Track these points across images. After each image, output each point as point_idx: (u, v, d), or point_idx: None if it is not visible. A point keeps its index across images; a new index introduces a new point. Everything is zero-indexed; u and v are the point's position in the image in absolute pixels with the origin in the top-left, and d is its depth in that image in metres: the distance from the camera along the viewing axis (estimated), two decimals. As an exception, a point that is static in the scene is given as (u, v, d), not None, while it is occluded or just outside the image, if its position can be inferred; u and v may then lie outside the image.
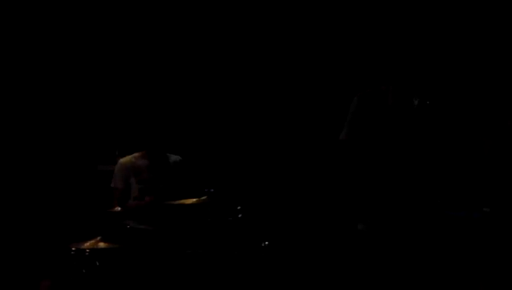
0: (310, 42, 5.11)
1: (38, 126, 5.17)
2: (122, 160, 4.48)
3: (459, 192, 4.20)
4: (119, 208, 4.38)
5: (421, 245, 3.55)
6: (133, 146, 4.52)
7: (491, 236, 4.10)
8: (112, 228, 4.33)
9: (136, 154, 4.49)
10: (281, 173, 4.90)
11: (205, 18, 5.24)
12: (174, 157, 4.56)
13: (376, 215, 3.61)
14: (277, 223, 4.76)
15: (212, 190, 4.39)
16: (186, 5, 5.26)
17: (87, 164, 5.25)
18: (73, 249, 3.95)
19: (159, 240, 4.35)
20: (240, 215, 4.46)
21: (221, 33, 5.23)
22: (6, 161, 4.96)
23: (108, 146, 5.27)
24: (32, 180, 5.04)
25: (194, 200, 4.31)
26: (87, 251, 3.95)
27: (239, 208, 4.47)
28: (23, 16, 5.02)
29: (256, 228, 4.56)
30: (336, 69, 5.08)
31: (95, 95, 5.40)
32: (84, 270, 3.92)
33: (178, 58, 5.31)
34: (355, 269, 3.64)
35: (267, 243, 4.44)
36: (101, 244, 4.07)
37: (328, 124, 4.58)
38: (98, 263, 3.95)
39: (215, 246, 4.42)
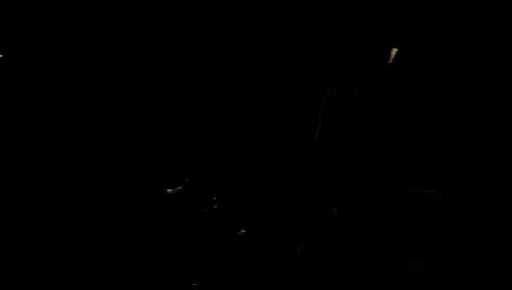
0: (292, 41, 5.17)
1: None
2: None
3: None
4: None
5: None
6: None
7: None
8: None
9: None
10: (256, 164, 4.94)
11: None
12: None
13: (347, 199, 3.66)
14: (252, 213, 4.75)
15: (187, 180, 4.49)
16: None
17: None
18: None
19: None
20: (215, 206, 4.51)
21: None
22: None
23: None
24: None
25: (170, 190, 4.42)
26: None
27: (215, 199, 4.53)
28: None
29: (232, 218, 4.58)
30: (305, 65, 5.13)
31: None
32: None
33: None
34: (330, 255, 3.64)
35: (243, 231, 4.47)
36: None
37: (299, 117, 4.67)
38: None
39: (191, 236, 4.46)
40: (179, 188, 4.47)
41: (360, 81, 3.64)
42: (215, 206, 4.50)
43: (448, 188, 4.30)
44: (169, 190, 4.45)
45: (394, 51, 3.64)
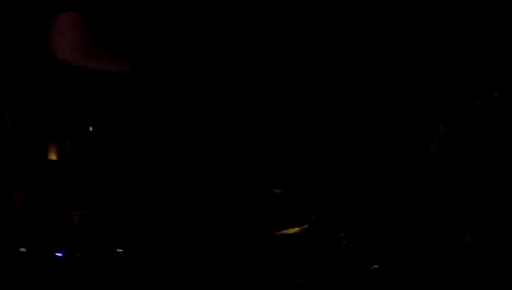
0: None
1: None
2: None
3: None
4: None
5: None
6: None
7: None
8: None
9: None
10: (383, 199, 4.80)
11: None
12: (275, 191, 4.71)
13: (483, 227, 3.50)
14: (382, 247, 4.58)
15: (313, 218, 4.47)
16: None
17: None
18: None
19: (266, 270, 4.41)
20: (343, 242, 4.43)
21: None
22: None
23: None
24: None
25: (296, 229, 4.40)
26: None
27: (342, 234, 4.45)
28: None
29: (361, 253, 4.45)
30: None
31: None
32: None
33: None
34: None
35: (376, 266, 4.33)
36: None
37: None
38: None
39: (320, 274, 4.38)
40: (305, 226, 4.44)
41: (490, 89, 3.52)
42: (344, 242, 4.41)
43: None
44: (295, 229, 4.44)
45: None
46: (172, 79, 5.46)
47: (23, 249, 4.34)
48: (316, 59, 5.33)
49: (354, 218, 4.73)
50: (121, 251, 4.46)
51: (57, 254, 4.04)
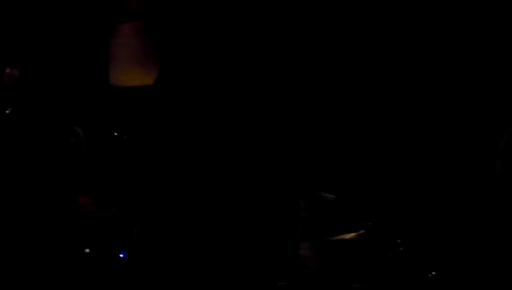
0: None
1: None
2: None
3: None
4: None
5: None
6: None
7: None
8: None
9: (293, 193, 4.75)
10: (440, 204, 4.72)
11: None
12: (328, 197, 4.71)
13: None
14: (440, 254, 4.51)
15: (370, 224, 4.44)
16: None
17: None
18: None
19: (321, 276, 4.42)
20: (401, 249, 4.38)
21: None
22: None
23: None
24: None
25: (353, 234, 4.39)
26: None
27: (399, 241, 4.41)
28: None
29: (420, 260, 4.40)
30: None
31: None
32: None
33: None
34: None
35: (433, 273, 4.27)
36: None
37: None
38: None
39: (377, 280, 4.36)
40: (361, 231, 4.42)
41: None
42: (401, 249, 4.37)
43: None
44: (352, 234, 4.42)
45: None
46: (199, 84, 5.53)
47: (87, 250, 4.50)
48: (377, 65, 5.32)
49: (411, 224, 4.69)
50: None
51: (120, 254, 4.17)
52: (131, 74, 5.03)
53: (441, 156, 4.88)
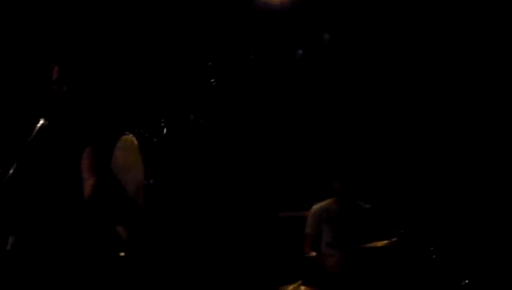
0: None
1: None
2: (316, 207, 4.73)
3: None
4: (315, 253, 4.58)
5: None
6: (323, 192, 4.80)
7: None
8: (311, 272, 4.51)
9: (328, 200, 4.73)
10: (473, 210, 4.77)
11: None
12: (364, 206, 4.73)
13: None
14: (473, 262, 4.54)
15: (402, 231, 4.46)
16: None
17: (269, 211, 5.42)
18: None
19: (354, 283, 4.40)
20: (433, 256, 4.41)
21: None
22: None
23: (293, 193, 5.49)
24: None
25: (385, 242, 4.40)
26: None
27: (432, 248, 4.44)
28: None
29: (452, 267, 4.43)
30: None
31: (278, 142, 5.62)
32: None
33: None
34: None
35: (466, 281, 4.30)
36: (303, 288, 4.26)
37: None
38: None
39: (409, 288, 4.36)
40: (394, 239, 4.43)
41: None
42: (434, 256, 4.40)
43: None
44: (384, 242, 4.43)
45: None
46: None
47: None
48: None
49: (445, 231, 4.72)
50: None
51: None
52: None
53: (472, 166, 4.95)
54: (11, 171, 3.04)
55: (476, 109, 5.16)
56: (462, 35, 5.18)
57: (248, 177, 5.20)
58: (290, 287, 4.21)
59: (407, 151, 5.07)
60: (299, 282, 4.23)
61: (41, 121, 3.12)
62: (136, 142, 3.03)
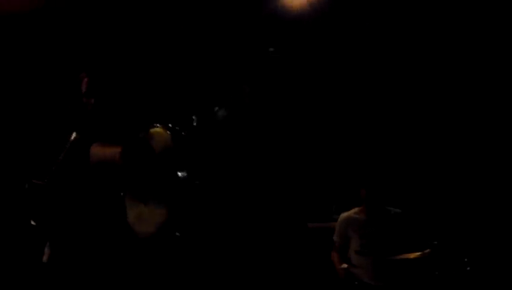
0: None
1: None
2: (343, 215, 4.65)
3: None
4: (345, 265, 4.48)
5: None
6: (352, 201, 4.70)
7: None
8: (341, 283, 4.43)
9: (356, 209, 4.64)
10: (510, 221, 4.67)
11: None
12: (394, 211, 4.62)
13: None
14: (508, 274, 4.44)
15: (435, 242, 4.36)
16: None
17: (296, 221, 5.34)
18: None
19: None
20: (468, 268, 4.30)
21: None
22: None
23: (322, 202, 5.42)
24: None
25: (418, 254, 4.29)
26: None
27: (466, 260, 4.33)
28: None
29: (487, 280, 4.33)
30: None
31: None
32: None
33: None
34: None
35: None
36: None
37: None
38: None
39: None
40: (427, 250, 4.33)
41: None
42: (468, 268, 4.29)
43: None
44: (417, 254, 4.33)
45: None
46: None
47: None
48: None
49: (479, 242, 4.62)
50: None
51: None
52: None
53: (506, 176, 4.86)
54: (46, 183, 3.03)
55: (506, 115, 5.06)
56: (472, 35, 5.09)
57: (277, 188, 5.12)
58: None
59: (440, 159, 4.98)
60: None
61: (74, 134, 3.09)
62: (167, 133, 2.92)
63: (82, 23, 4.90)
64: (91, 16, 4.89)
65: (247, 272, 4.85)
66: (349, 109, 5.47)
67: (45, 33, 4.87)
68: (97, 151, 3.10)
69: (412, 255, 4.32)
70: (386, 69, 5.44)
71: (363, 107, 5.51)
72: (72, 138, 3.08)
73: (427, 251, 4.30)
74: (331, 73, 5.53)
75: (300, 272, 4.96)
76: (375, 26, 5.27)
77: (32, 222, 3.21)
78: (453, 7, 5.06)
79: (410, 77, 5.35)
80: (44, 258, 3.24)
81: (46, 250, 3.24)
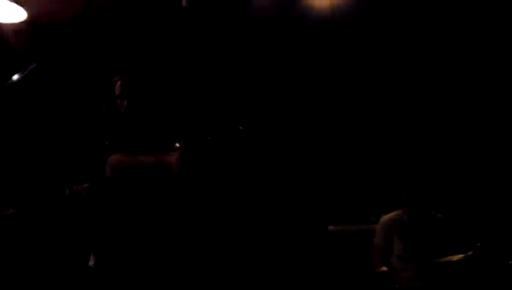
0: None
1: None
2: (385, 217, 4.58)
3: None
4: (386, 268, 4.41)
5: None
6: (391, 203, 4.64)
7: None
8: (382, 287, 4.36)
9: (398, 211, 4.56)
10: None
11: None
12: (436, 215, 4.54)
13: None
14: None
15: (479, 245, 4.26)
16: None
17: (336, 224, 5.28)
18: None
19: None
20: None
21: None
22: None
23: (363, 204, 5.36)
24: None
25: (460, 256, 4.20)
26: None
27: (510, 262, 4.22)
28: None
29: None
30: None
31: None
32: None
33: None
34: None
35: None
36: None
37: None
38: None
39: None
40: (470, 253, 4.24)
41: None
42: (512, 271, 4.17)
43: None
44: (460, 256, 4.24)
45: None
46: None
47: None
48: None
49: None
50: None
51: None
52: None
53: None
54: (87, 190, 3.04)
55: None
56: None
57: (314, 189, 5.08)
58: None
59: (483, 161, 4.87)
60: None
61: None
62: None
63: (116, 26, 4.96)
64: (125, 20, 4.96)
65: (287, 272, 4.82)
66: (391, 109, 5.41)
67: (81, 37, 4.96)
68: (125, 159, 3.07)
69: (455, 258, 4.23)
70: (425, 70, 5.37)
71: (405, 108, 5.44)
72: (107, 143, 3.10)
73: (470, 253, 4.21)
74: (372, 74, 5.48)
75: (339, 274, 4.91)
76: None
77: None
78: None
79: (453, 78, 5.26)
80: (91, 263, 3.27)
81: (92, 255, 3.26)
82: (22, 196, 4.81)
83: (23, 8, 4.39)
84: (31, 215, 4.61)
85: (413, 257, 4.35)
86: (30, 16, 4.59)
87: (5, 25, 4.73)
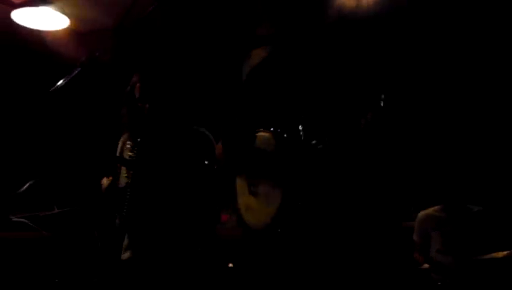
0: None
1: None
2: (422, 213, 4.56)
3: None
4: (427, 265, 4.39)
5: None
6: (430, 200, 4.61)
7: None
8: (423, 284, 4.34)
9: (435, 207, 4.54)
10: None
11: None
12: (475, 209, 4.49)
13: None
14: None
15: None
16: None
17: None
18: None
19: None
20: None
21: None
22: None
23: (404, 202, 5.32)
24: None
25: (506, 252, 4.14)
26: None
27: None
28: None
29: None
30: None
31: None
32: None
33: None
34: None
35: None
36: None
37: None
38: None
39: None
40: (506, 252, 4.16)
41: None
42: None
43: None
44: (505, 252, 4.17)
45: None
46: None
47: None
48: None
49: None
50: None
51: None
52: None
53: None
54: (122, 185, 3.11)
55: None
56: None
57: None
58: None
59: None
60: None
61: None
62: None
63: (138, 31, 5.05)
64: (147, 24, 5.04)
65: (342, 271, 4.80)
66: (429, 105, 5.36)
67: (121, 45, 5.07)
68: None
69: (500, 254, 4.17)
70: (456, 68, 5.31)
71: (444, 104, 5.39)
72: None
73: (506, 252, 4.15)
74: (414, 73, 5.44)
75: (382, 271, 4.88)
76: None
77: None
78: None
79: (497, 76, 5.19)
80: (124, 256, 3.32)
81: (126, 249, 3.31)
82: (64, 195, 4.95)
83: (66, 16, 4.53)
84: (75, 213, 4.73)
85: (453, 252, 4.31)
86: (73, 24, 4.74)
87: (50, 32, 4.89)
